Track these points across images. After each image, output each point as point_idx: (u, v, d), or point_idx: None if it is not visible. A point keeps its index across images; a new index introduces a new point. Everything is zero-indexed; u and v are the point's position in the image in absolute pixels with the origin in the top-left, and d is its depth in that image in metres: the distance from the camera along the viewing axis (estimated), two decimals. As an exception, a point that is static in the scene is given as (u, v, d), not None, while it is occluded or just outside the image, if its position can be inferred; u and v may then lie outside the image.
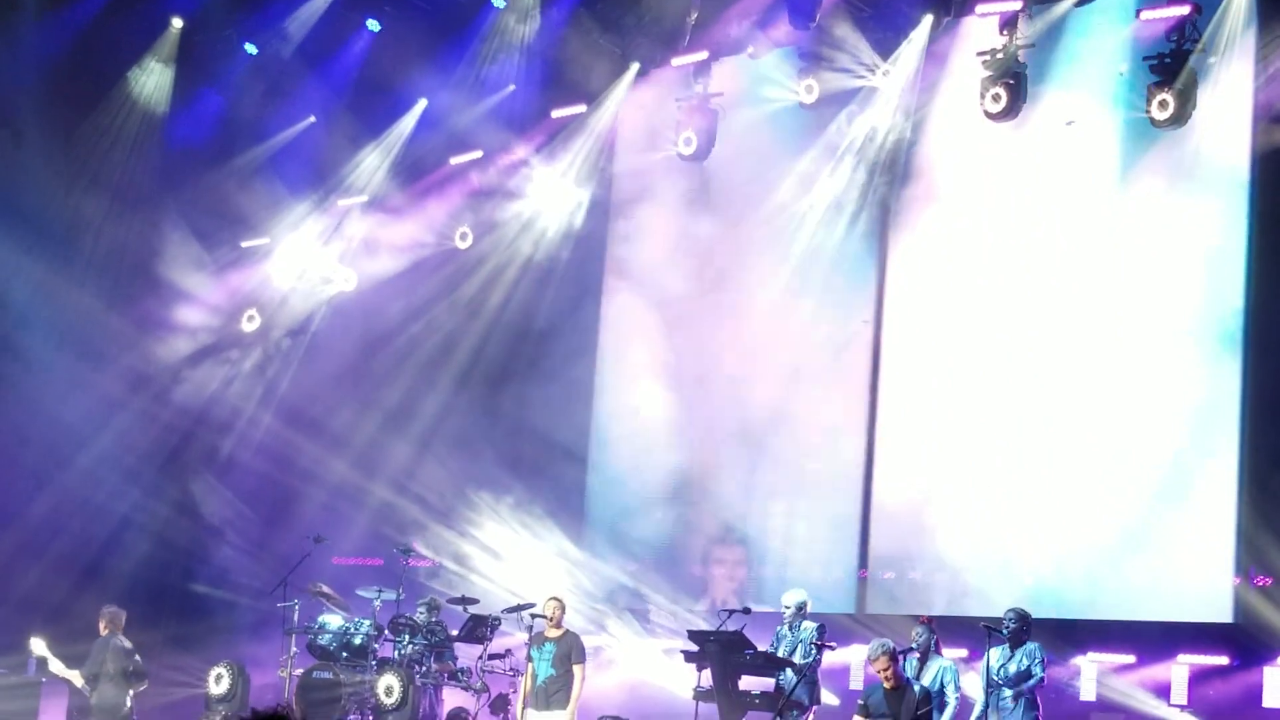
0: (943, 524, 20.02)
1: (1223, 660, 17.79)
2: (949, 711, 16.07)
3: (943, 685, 16.13)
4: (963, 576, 19.83)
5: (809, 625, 16.96)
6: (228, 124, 24.91)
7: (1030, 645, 16.01)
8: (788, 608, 17.13)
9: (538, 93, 23.43)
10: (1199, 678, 17.84)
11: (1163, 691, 17.89)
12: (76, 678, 19.21)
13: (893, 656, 15.15)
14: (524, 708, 17.26)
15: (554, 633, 17.10)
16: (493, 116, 23.38)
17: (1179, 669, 17.93)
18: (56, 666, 19.20)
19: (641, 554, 22.21)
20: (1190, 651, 17.96)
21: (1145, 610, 18.51)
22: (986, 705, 15.93)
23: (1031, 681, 15.84)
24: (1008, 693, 15.85)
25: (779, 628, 17.17)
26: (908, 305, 20.85)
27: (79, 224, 24.37)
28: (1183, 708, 17.71)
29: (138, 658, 19.20)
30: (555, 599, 17.54)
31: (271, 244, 25.00)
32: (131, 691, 19.06)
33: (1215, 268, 18.47)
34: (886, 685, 15.16)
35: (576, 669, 16.90)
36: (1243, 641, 17.54)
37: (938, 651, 16.52)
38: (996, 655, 15.95)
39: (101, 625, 19.39)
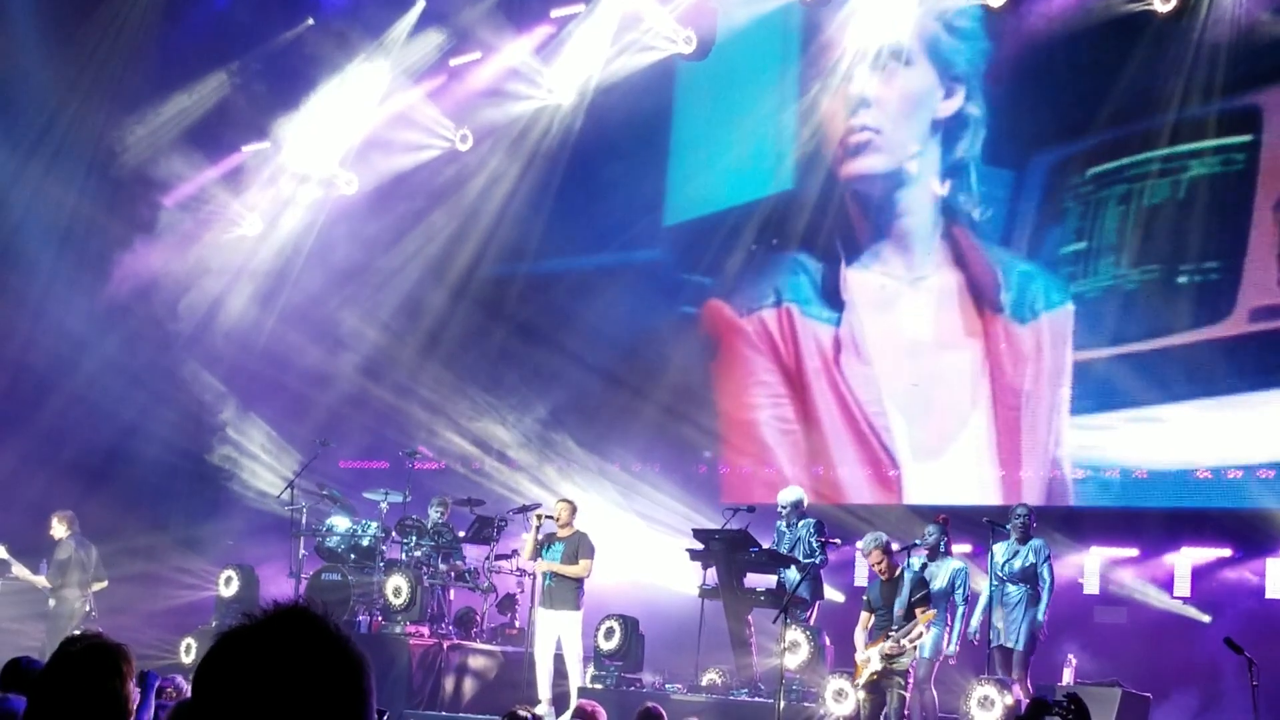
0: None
1: (1225, 552, 17.80)
2: (958, 614, 16.17)
3: (953, 587, 16.19)
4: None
5: (806, 521, 17.12)
6: (226, 28, 24.78)
7: (1036, 541, 16.00)
8: (783, 506, 17.28)
9: (537, -8, 23.32)
10: (1202, 570, 17.86)
11: (1165, 584, 17.96)
12: (40, 581, 19.31)
13: (885, 549, 15.28)
14: (534, 606, 17.42)
15: (563, 533, 17.14)
16: (491, 17, 23.24)
17: (1181, 561, 17.91)
18: (19, 570, 19.30)
19: (647, 454, 22.28)
20: (1193, 544, 17.98)
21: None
22: (991, 600, 16.02)
23: (1043, 589, 15.76)
24: (1012, 588, 15.89)
25: (778, 523, 17.33)
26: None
27: (78, 129, 24.30)
28: (1185, 600, 17.73)
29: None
30: (565, 500, 17.62)
31: (272, 148, 24.94)
32: (91, 591, 19.23)
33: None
34: (882, 577, 15.30)
35: (583, 562, 16.98)
36: (1245, 533, 17.56)
37: (947, 551, 16.61)
38: (1001, 550, 16.05)
39: (61, 527, 19.41)
